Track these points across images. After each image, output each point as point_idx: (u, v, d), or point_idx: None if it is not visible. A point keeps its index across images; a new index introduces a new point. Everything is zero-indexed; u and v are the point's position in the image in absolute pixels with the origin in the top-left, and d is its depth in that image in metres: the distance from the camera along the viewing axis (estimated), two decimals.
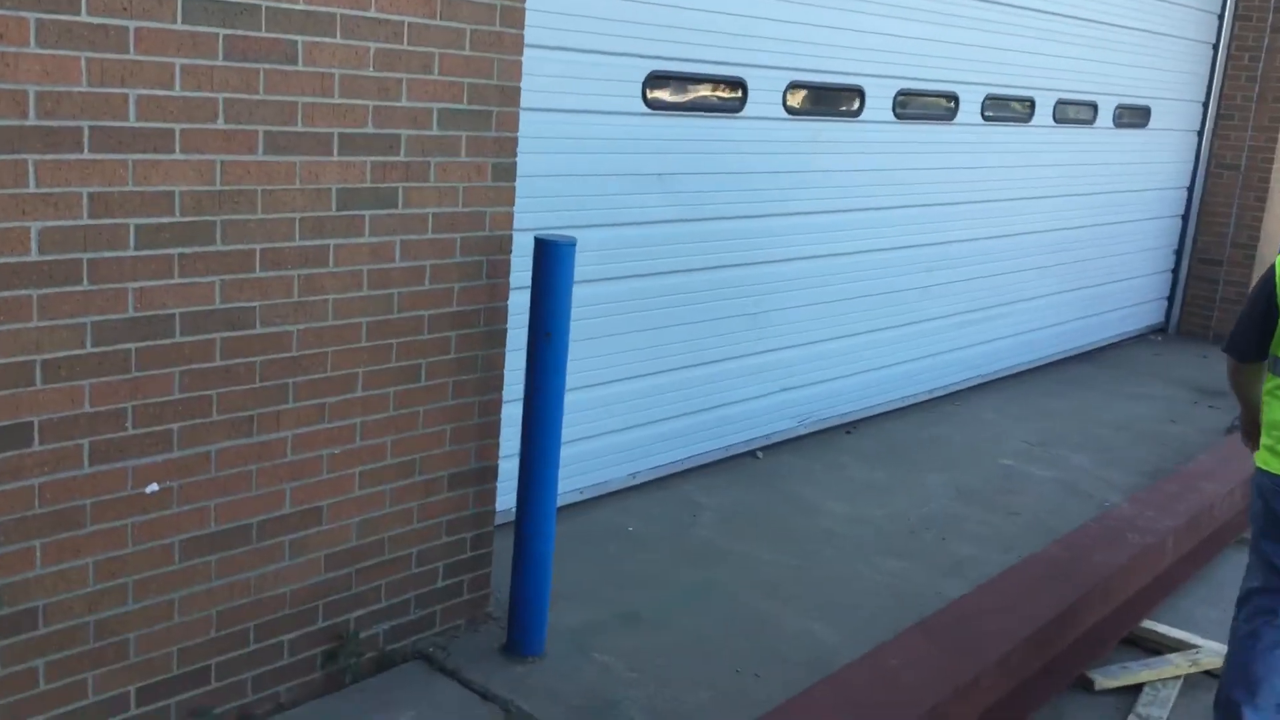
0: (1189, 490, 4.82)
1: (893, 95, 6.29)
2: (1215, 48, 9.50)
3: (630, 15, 4.77)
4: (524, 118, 3.90)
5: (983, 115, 7.01)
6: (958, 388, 7.51)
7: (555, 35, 4.47)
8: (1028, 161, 7.53)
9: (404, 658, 3.75)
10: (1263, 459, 3.46)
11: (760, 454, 6.05)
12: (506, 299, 3.77)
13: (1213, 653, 4.16)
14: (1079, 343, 8.82)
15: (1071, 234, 8.29)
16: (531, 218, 4.42)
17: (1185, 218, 9.86)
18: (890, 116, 6.31)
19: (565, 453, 4.94)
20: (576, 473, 5.10)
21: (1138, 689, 4.01)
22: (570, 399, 4.92)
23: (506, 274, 3.76)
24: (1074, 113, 7.99)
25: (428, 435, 3.65)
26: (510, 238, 3.74)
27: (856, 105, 6.10)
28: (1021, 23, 7.08)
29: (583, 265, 4.83)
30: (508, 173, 3.68)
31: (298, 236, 3.18)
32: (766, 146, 5.57)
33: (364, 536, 3.55)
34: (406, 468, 3.62)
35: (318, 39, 3.11)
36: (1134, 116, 8.69)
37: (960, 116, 6.84)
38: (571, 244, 3.59)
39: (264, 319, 3.15)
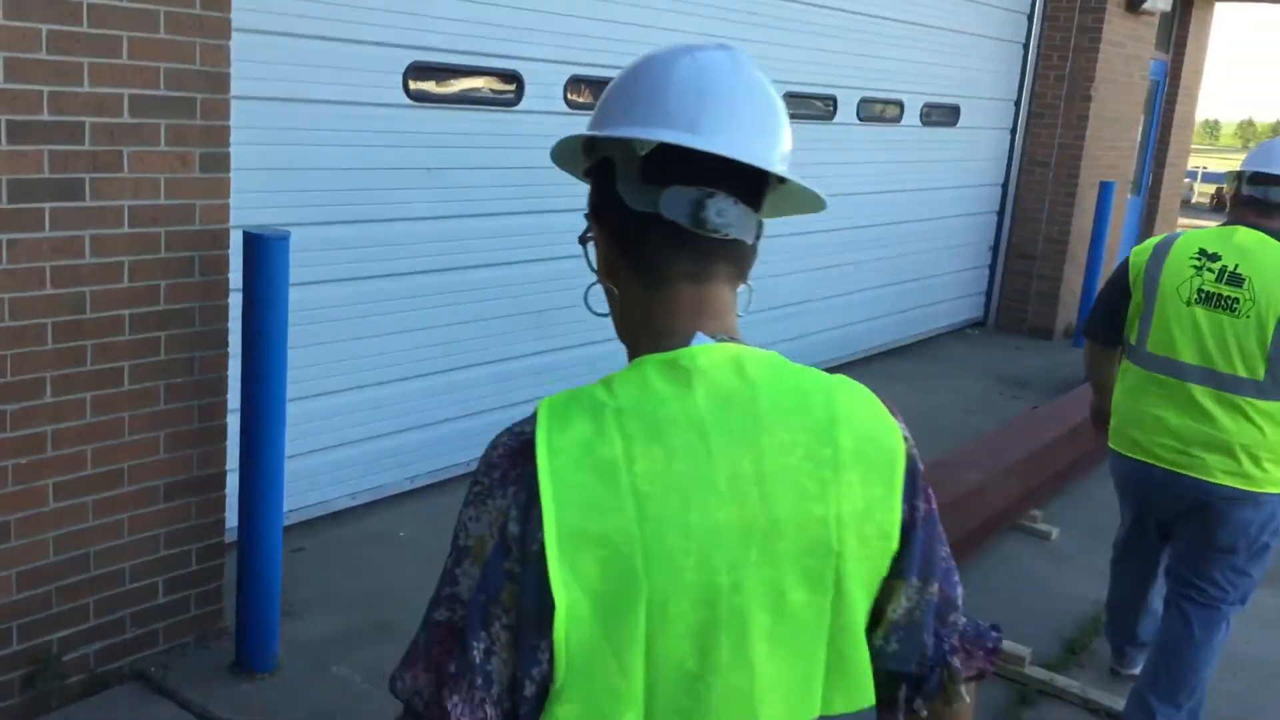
0: (949, 479, 4.87)
1: None
2: (1025, 47, 9.76)
3: (388, 4, 4.62)
4: (267, 108, 3.74)
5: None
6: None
7: (301, 23, 4.30)
8: (832, 159, 7.59)
9: (119, 679, 3.53)
10: (1112, 439, 3.70)
11: None
12: (225, 297, 3.58)
13: None
14: (897, 336, 8.95)
15: (886, 230, 8.40)
16: (278, 213, 4.25)
17: (1000, 214, 10.11)
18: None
19: (336, 456, 4.81)
20: (348, 478, 4.93)
21: None
22: (341, 400, 4.80)
23: (225, 270, 3.56)
24: (880, 110, 8.10)
25: (136, 443, 3.44)
26: (226, 232, 3.55)
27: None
28: (821, 21, 7.14)
29: (349, 262, 4.69)
30: (219, 163, 3.50)
31: None
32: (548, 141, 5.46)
33: (63, 552, 3.33)
34: (111, 478, 3.40)
35: None
36: (943, 115, 8.85)
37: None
38: (283, 238, 3.42)
39: None
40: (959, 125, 9.07)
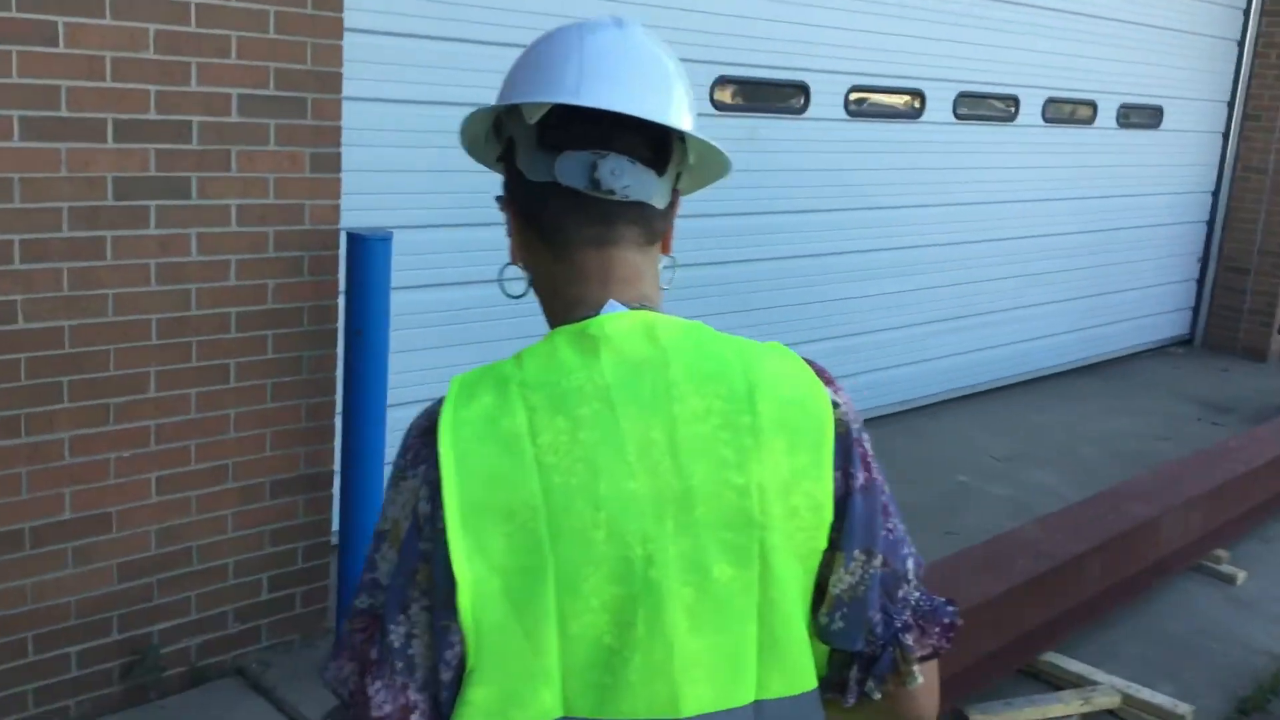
0: (1112, 512, 4.42)
1: (844, 92, 5.97)
2: (1240, 45, 8.97)
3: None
4: (382, 109, 3.74)
5: (955, 114, 6.65)
6: (932, 400, 7.13)
7: (423, 23, 4.28)
8: (1009, 163, 7.14)
9: (219, 673, 3.57)
10: None
11: None
12: (335, 297, 3.58)
13: (1111, 690, 3.80)
14: (1081, 354, 8.35)
15: (1068, 240, 7.85)
16: (388, 215, 4.24)
17: (1210, 224, 9.32)
18: (842, 114, 6.00)
19: None
20: None
21: None
22: None
23: (334, 271, 3.56)
24: (1068, 112, 7.57)
25: (242, 439, 3.47)
26: (336, 233, 3.55)
27: (801, 102, 5.80)
28: (1000, 16, 6.71)
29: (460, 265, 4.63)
30: (329, 163, 3.49)
31: (65, 227, 3.02)
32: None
33: (165, 545, 3.38)
34: (216, 474, 3.44)
35: (82, 20, 2.95)
36: (1143, 117, 8.21)
37: (928, 114, 6.49)
38: (385, 238, 3.38)
39: (27, 314, 3.00)
40: (1162, 128, 8.40)
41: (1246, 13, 8.88)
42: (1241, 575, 4.97)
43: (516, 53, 1.27)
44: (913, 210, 6.59)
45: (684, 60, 1.27)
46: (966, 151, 6.79)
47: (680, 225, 1.30)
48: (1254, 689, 4.08)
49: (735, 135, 5.48)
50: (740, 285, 5.69)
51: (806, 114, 5.83)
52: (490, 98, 1.25)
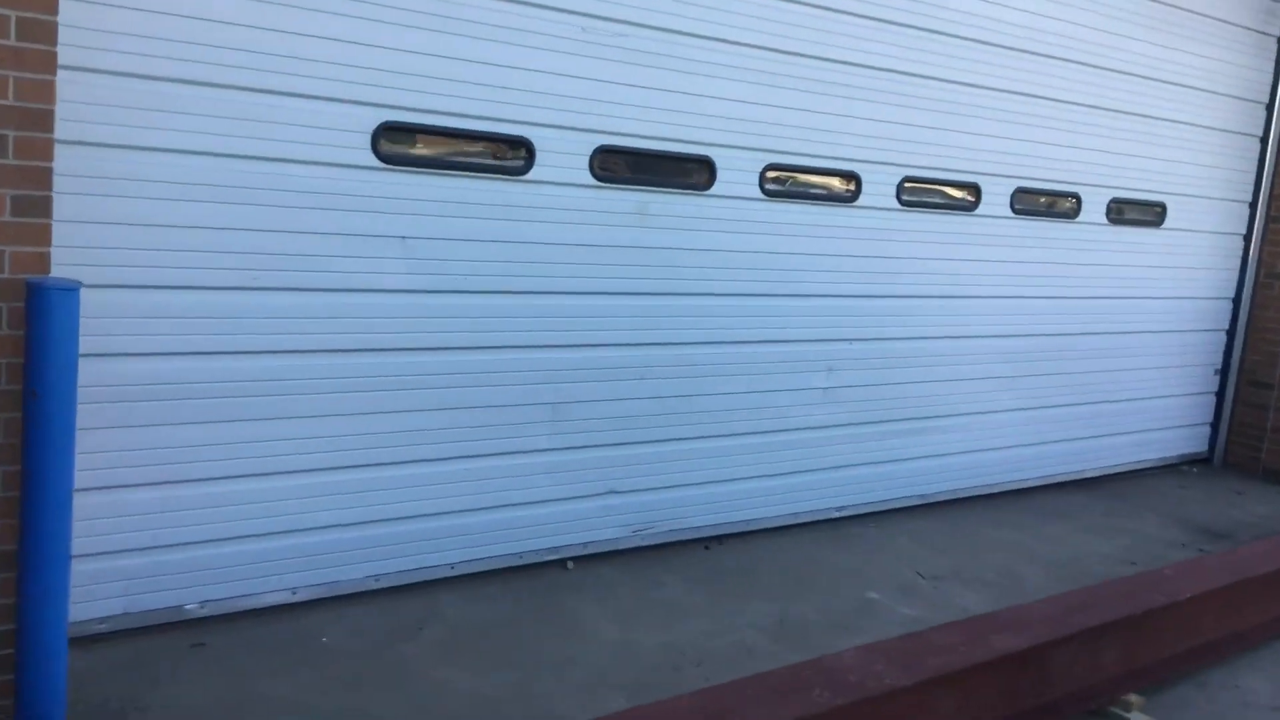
0: (970, 642, 3.81)
1: (760, 170, 5.58)
2: (1264, 142, 8.33)
3: (352, 59, 4.31)
4: (176, 160, 3.52)
5: (899, 200, 6.18)
6: (882, 508, 6.54)
7: (237, 74, 4.04)
8: (970, 255, 6.62)
9: None
10: None
11: (571, 564, 5.30)
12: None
13: None
14: (1076, 466, 7.65)
15: (1046, 342, 7.24)
16: (189, 273, 3.99)
17: (1231, 333, 8.57)
18: (758, 194, 5.60)
19: (280, 544, 4.41)
20: (293, 569, 4.51)
21: None
22: (300, 482, 4.43)
23: None
24: (1044, 204, 7.03)
25: None
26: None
27: (706, 178, 5.42)
28: (955, 99, 6.27)
29: (305, 333, 4.34)
30: (36, 208, 3.22)
31: None
32: (566, 216, 4.98)
33: None
34: None
35: None
36: (1140, 213, 7.61)
37: (863, 199, 6.04)
38: (70, 290, 3.08)
39: None
40: (1164, 226, 7.77)
41: (1271, 108, 8.26)
42: None
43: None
44: (841, 301, 6.11)
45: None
46: (913, 240, 6.31)
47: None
48: None
49: (624, 209, 5.13)
50: (556, 373, 5.27)
51: (712, 191, 5.44)
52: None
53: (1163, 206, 7.73)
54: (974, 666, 3.73)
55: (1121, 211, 7.46)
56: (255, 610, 4.43)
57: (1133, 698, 4.40)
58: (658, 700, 3.43)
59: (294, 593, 4.52)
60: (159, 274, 4.01)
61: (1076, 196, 7.15)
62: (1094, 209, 7.26)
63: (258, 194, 4.18)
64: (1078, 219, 7.20)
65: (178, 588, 4.26)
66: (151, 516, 4.16)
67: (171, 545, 4.23)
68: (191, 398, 4.17)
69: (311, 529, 4.53)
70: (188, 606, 4.28)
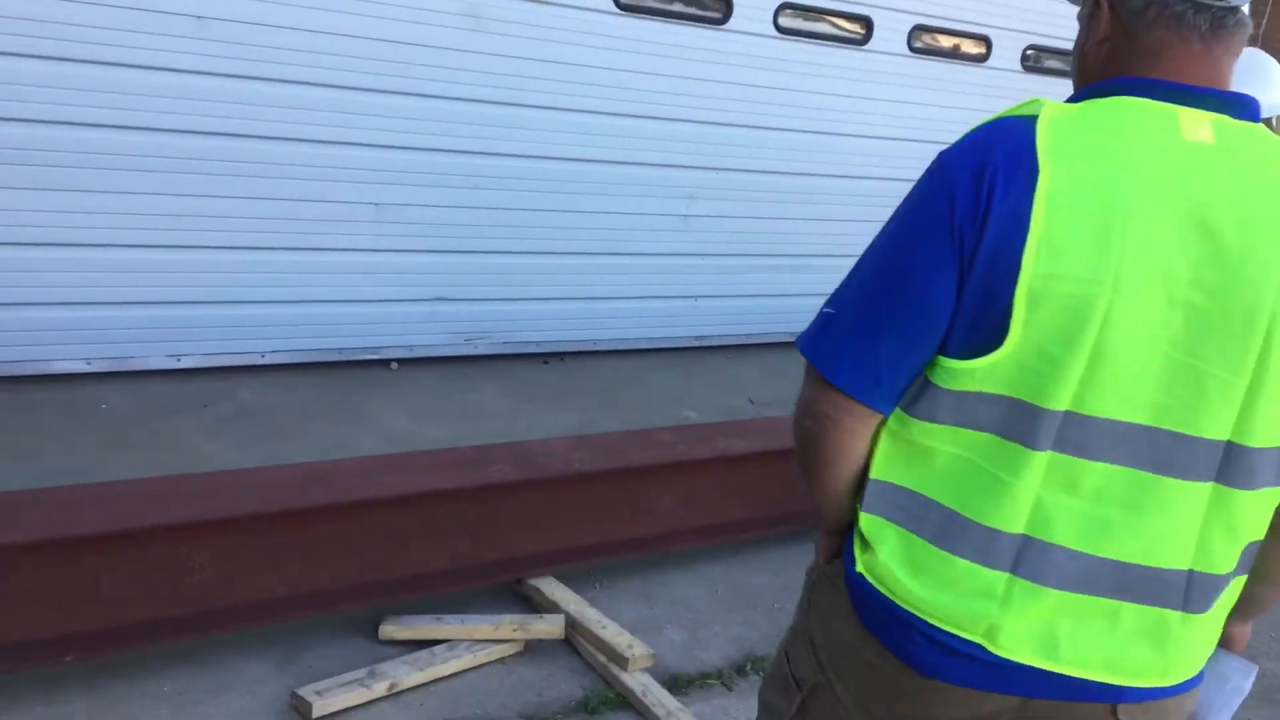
0: (687, 441, 3.88)
1: None
2: None
3: None
4: None
5: (775, 26, 6.04)
6: (746, 341, 6.57)
7: None
8: (858, 93, 6.47)
9: None
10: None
11: (395, 365, 5.42)
12: None
13: (556, 620, 3.32)
14: None
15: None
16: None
17: None
18: (611, 7, 5.50)
19: (77, 315, 4.56)
20: (89, 340, 4.66)
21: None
22: (98, 256, 4.54)
23: None
24: (950, 46, 6.83)
25: None
26: None
27: None
28: None
29: (109, 108, 4.38)
30: None
31: None
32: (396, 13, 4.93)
33: None
34: None
35: None
36: (1064, 62, 7.37)
37: (734, 22, 5.91)
38: None
39: None
40: None
41: None
42: None
43: None
44: (721, 130, 6.03)
45: None
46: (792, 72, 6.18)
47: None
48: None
49: None
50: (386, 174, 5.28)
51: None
52: None
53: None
54: (681, 463, 3.79)
55: (1040, 60, 7.23)
56: (45, 375, 4.59)
57: None
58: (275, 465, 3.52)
59: (89, 363, 4.68)
60: None
61: (986, 39, 6.94)
62: (1007, 54, 7.04)
63: None
64: (986, 64, 6.99)
65: None
66: None
67: None
68: None
69: (110, 303, 4.66)
70: None
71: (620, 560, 3.77)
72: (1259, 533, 1.46)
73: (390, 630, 3.24)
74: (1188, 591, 1.41)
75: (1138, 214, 1.31)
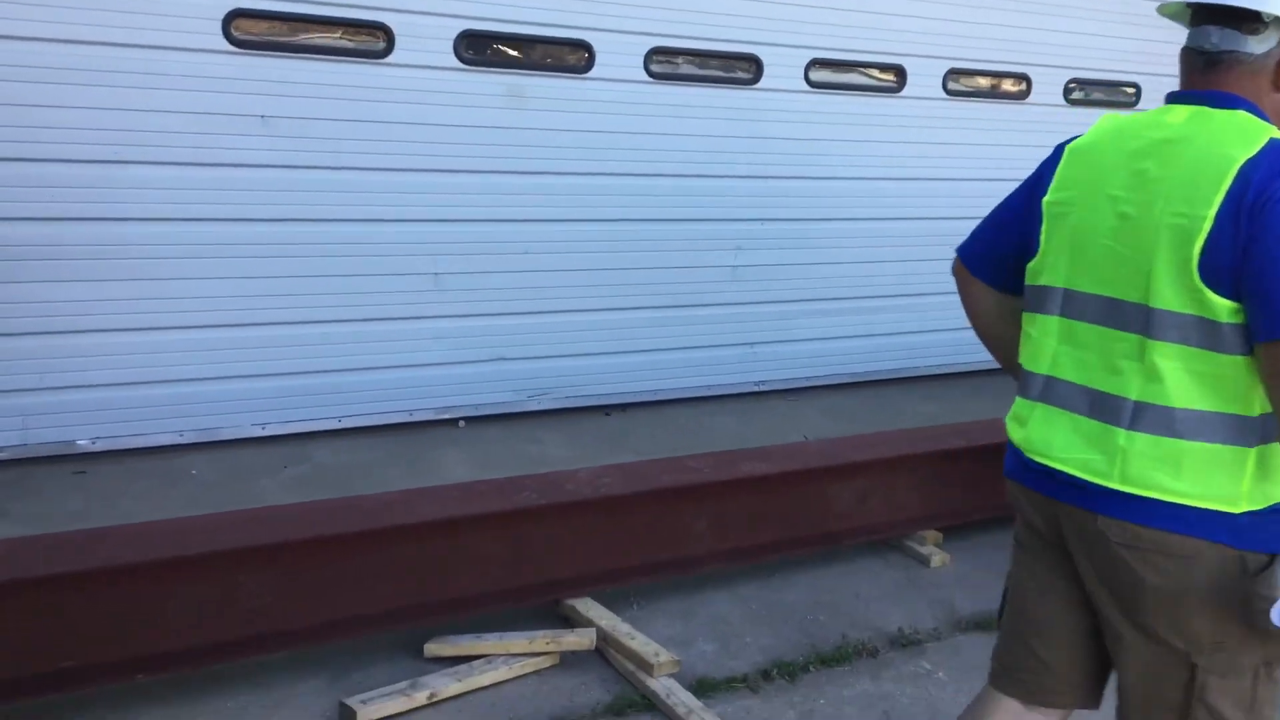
0: (713, 467, 4.10)
1: (643, 52, 5.84)
2: None
3: None
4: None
5: (807, 81, 6.33)
6: (804, 384, 6.76)
7: None
8: (894, 138, 6.69)
9: None
10: None
11: (463, 423, 5.77)
12: None
13: (588, 634, 3.55)
14: None
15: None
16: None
17: None
18: (642, 76, 5.86)
19: (168, 392, 5.03)
20: (180, 414, 5.12)
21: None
22: (183, 337, 5.03)
23: None
24: (986, 86, 7.01)
25: None
26: None
27: (586, 59, 5.72)
28: None
29: (180, 203, 4.88)
30: None
31: None
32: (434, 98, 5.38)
33: None
34: None
35: None
36: (1108, 94, 7.48)
37: (765, 81, 6.22)
38: None
39: None
40: (1137, 108, 7.61)
41: None
42: (939, 559, 4.47)
43: None
44: (758, 183, 6.32)
45: None
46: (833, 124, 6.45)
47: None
48: (808, 657, 3.69)
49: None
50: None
51: (591, 74, 5.75)
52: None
53: (1136, 87, 7.57)
54: (707, 485, 4.01)
55: (1087, 93, 7.35)
56: (142, 449, 5.05)
57: (930, 533, 4.60)
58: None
59: (180, 435, 5.14)
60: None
61: (1025, 77, 7.10)
62: (1048, 90, 7.19)
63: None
64: (1027, 100, 7.15)
65: (72, 425, 4.92)
66: (42, 361, 4.81)
67: (66, 387, 4.88)
68: (72, 259, 4.79)
69: (195, 380, 5.12)
70: (80, 442, 4.94)
71: (656, 582, 3.98)
72: (1182, 381, 1.92)
73: (434, 649, 3.51)
74: (1134, 415, 1.96)
75: (1103, 163, 2.06)
